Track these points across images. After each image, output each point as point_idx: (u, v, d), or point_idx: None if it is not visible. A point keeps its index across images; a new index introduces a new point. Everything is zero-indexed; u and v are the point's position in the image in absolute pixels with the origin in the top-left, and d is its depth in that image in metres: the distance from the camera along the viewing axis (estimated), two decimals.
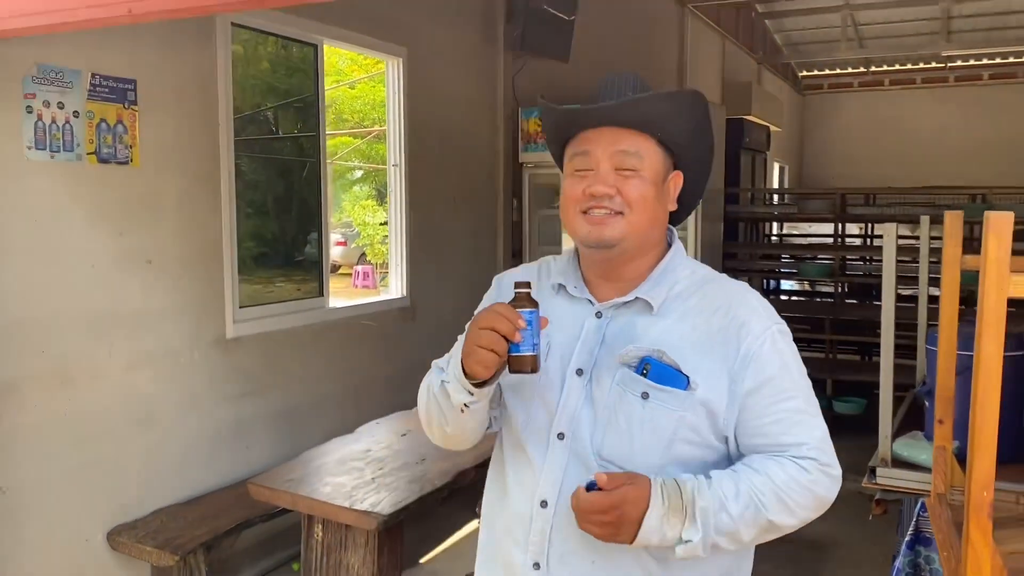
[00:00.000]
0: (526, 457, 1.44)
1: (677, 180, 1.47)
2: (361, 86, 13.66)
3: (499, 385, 1.46)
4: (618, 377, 1.37)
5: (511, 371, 1.33)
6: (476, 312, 1.61)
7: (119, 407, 3.28)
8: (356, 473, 3.16)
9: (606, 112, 1.38)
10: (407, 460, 3.32)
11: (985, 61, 13.73)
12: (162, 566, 3.10)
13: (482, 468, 3.23)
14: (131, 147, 3.25)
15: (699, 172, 1.51)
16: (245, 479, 3.44)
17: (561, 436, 1.40)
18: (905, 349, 7.33)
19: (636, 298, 1.41)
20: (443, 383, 1.42)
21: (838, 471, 1.43)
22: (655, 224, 1.43)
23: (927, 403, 2.89)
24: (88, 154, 3.10)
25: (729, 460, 1.42)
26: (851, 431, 5.98)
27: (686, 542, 1.29)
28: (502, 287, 1.58)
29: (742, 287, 1.48)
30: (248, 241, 4.15)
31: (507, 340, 1.29)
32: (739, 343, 1.36)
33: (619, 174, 1.38)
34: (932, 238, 9.42)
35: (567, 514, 1.35)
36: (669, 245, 1.50)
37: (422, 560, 4.03)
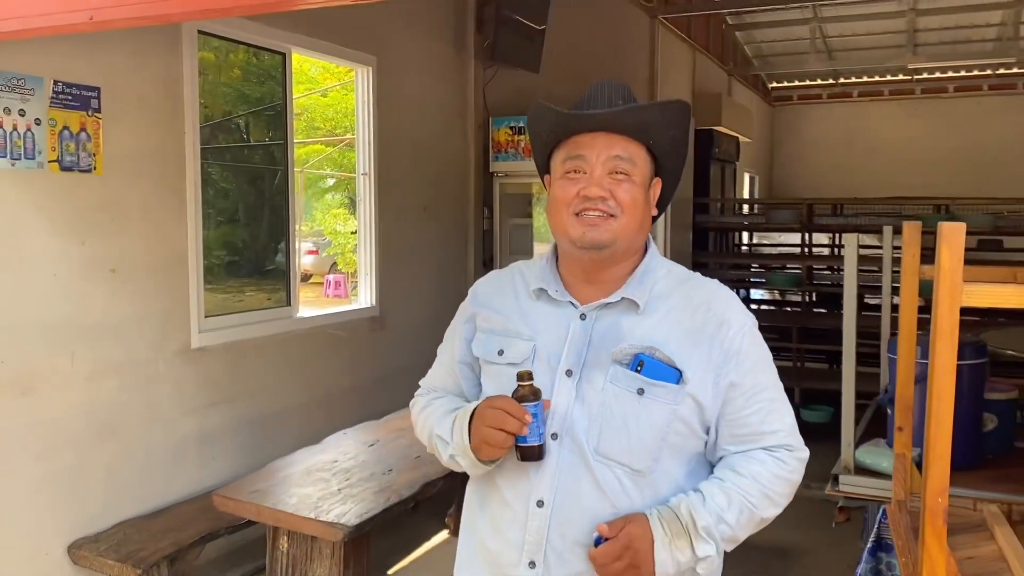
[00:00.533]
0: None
1: (657, 187, 1.52)
2: (333, 94, 13.61)
3: (481, 385, 1.57)
4: (611, 375, 1.41)
5: (520, 459, 1.41)
6: (459, 314, 1.65)
7: (82, 417, 3.23)
8: (322, 484, 3.14)
9: (607, 118, 1.43)
10: (374, 471, 3.30)
11: (951, 74, 13.96)
12: None
13: (448, 479, 3.22)
14: (94, 155, 3.22)
15: (674, 180, 1.57)
16: (210, 490, 3.40)
17: (555, 436, 1.43)
18: (871, 358, 7.43)
19: (622, 298, 1.46)
20: (451, 456, 1.50)
21: (806, 452, 1.55)
22: (642, 228, 1.48)
23: (889, 411, 2.92)
24: (50, 162, 3.07)
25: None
26: (819, 439, 6.04)
27: (704, 559, 1.38)
28: (477, 298, 1.62)
29: (715, 284, 1.54)
30: (218, 249, 4.11)
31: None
32: (721, 339, 1.43)
33: (612, 178, 1.42)
34: (895, 248, 9.53)
35: (565, 512, 1.42)
36: (645, 247, 1.55)
37: (390, 571, 4.01)
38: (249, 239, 4.42)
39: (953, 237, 1.64)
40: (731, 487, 1.44)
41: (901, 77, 14.30)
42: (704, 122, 9.06)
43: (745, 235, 10.03)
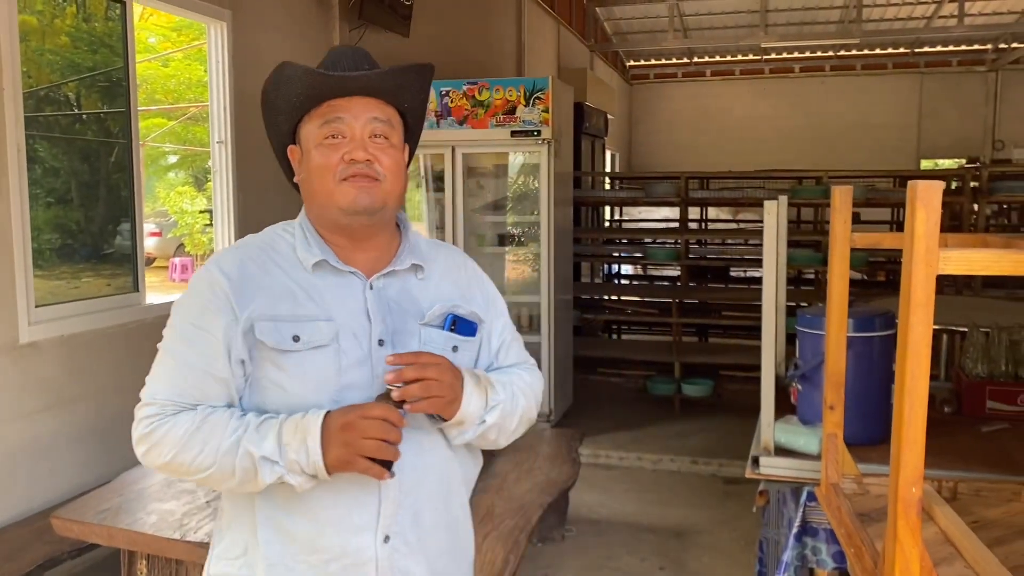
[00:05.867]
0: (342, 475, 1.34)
1: (406, 151, 1.51)
2: (175, 63, 12.64)
3: (254, 373, 1.39)
4: (424, 337, 1.43)
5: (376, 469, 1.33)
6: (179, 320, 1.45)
7: None
8: (187, 497, 2.72)
9: (370, 80, 1.39)
10: None
11: (796, 55, 14.59)
12: None
13: None
14: None
15: (415, 143, 1.57)
16: (48, 509, 2.92)
17: None
18: (739, 330, 7.55)
19: (411, 264, 1.47)
20: (279, 477, 1.31)
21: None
22: (403, 193, 1.49)
23: (799, 387, 2.80)
24: None
25: None
26: (700, 413, 6.06)
27: (493, 407, 1.43)
28: (233, 281, 1.39)
29: (458, 248, 1.67)
30: (47, 232, 3.60)
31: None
32: (482, 290, 1.56)
33: (373, 142, 1.40)
34: (755, 221, 9.79)
35: (416, 475, 1.40)
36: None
37: None
38: (84, 220, 3.95)
39: (929, 197, 1.47)
40: (501, 375, 1.52)
41: (751, 57, 14.83)
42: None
43: (609, 211, 10.05)
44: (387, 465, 1.31)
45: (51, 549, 2.84)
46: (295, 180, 1.48)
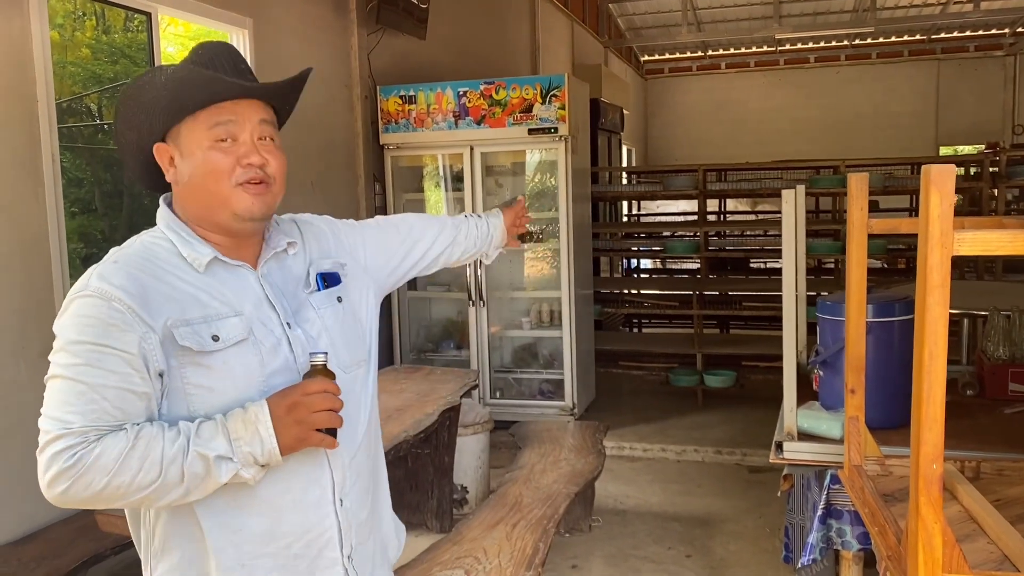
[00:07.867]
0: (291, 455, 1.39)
1: None
2: None
3: (173, 379, 1.36)
4: (315, 302, 1.52)
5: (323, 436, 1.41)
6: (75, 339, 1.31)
7: None
8: None
9: (274, 88, 1.45)
10: None
11: (811, 45, 14.52)
12: None
13: None
14: None
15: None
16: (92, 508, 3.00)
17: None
18: (760, 321, 7.54)
19: (285, 245, 1.54)
20: (235, 474, 1.32)
21: None
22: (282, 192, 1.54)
23: (820, 373, 2.84)
24: None
25: None
26: (722, 404, 6.10)
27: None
28: (135, 297, 1.31)
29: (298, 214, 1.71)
30: (73, 242, 3.70)
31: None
32: (332, 232, 1.66)
33: (262, 144, 1.43)
34: (773, 212, 9.74)
35: (349, 431, 1.46)
36: None
37: None
38: (108, 230, 4.04)
39: (943, 181, 1.51)
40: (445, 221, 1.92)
41: (765, 48, 14.77)
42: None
43: (627, 205, 10.07)
44: (332, 434, 1.40)
45: (95, 546, 2.92)
46: (168, 180, 1.43)
